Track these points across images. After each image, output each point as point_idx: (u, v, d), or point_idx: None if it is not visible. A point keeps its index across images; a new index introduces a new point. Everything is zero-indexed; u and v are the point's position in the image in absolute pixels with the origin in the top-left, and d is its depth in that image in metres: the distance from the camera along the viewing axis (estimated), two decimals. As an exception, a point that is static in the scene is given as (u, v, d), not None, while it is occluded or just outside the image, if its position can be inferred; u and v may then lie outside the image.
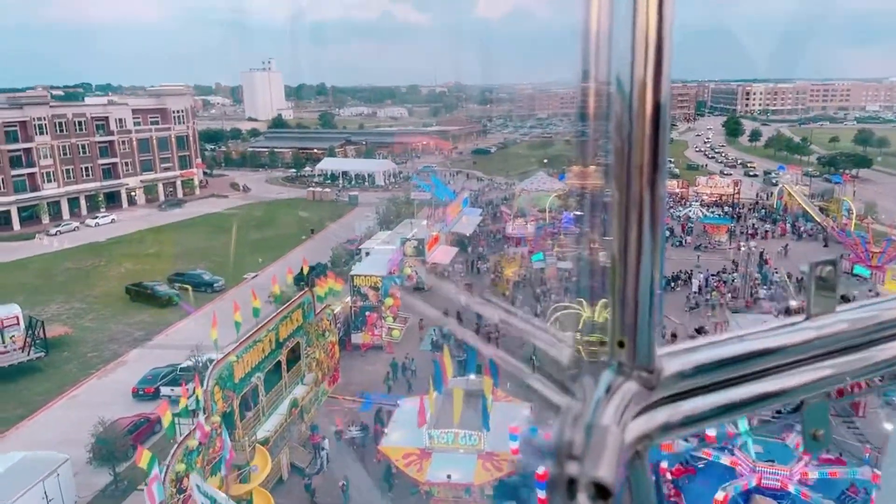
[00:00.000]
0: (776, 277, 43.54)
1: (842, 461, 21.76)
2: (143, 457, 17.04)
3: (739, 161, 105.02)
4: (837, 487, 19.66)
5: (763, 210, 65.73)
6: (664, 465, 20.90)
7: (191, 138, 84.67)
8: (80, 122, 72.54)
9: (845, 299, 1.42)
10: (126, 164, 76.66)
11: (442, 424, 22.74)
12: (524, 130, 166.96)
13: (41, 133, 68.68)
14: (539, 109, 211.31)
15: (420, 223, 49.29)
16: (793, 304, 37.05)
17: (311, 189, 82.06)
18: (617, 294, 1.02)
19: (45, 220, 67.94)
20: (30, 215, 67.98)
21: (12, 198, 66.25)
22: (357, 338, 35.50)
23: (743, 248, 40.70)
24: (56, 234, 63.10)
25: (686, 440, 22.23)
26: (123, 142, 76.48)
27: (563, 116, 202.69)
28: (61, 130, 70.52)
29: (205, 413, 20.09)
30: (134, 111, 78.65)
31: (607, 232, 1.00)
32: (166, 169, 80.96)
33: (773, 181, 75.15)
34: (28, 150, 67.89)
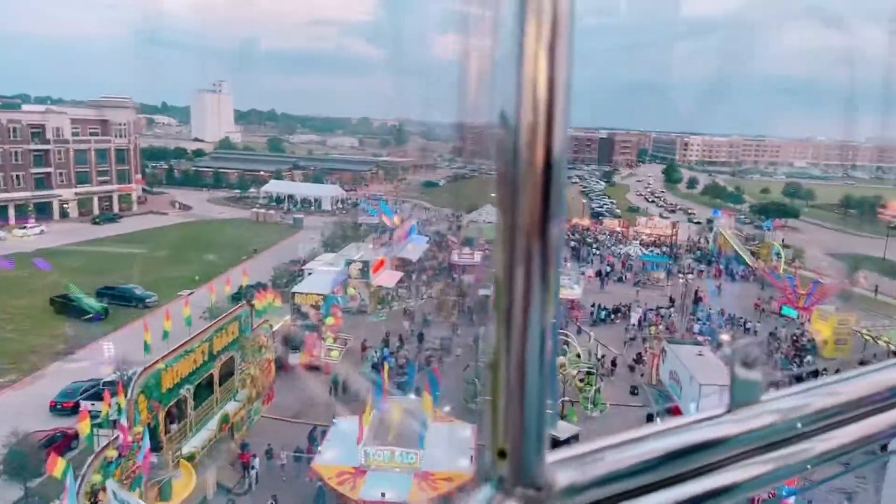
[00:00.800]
0: (710, 314, 45.10)
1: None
2: (57, 466, 15.89)
3: (679, 207, 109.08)
4: None
5: (699, 251, 68.14)
6: None
7: (131, 152, 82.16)
8: (14, 129, 69.43)
9: (863, 363, 1.37)
10: (61, 174, 73.55)
11: (379, 442, 22.19)
12: (473, 166, 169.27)
13: (-30, 137, 65.39)
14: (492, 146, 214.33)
15: (367, 247, 48.93)
16: (724, 337, 38.32)
17: (255, 210, 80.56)
18: (499, 389, 0.83)
19: (-32, 227, 64.23)
20: (-49, 222, 64.19)
21: (-68, 203, 62.47)
22: (295, 358, 34.52)
23: (681, 281, 41.88)
24: (-22, 243, 59.57)
25: None
26: (59, 152, 73.49)
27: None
28: (-7, 136, 67.35)
29: (127, 423, 19.00)
30: (73, 121, 75.88)
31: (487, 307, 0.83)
32: (103, 182, 78.07)
33: (710, 227, 78.33)
34: (-46, 154, 64.44)
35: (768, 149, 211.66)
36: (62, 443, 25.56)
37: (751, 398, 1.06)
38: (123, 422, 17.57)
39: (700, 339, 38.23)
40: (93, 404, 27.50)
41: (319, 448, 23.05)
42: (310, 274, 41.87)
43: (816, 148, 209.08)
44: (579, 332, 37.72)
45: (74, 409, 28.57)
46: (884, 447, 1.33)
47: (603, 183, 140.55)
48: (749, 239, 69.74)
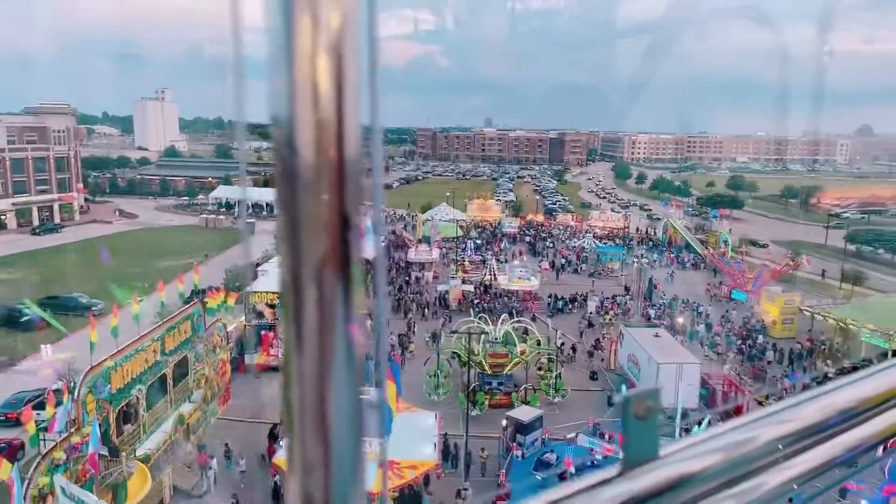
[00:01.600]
0: (664, 300, 46.14)
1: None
2: (3, 468, 15.01)
3: (632, 202, 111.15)
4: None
5: (650, 242, 69.59)
6: None
7: (71, 160, 79.19)
8: (-58, 138, 66.15)
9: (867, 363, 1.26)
10: (-4, 184, 70.39)
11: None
12: (426, 168, 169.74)
13: None
14: (447, 150, 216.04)
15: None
16: (680, 320, 39.19)
17: (203, 216, 78.62)
18: (295, 436, 0.71)
19: None
20: None
21: None
22: (251, 358, 33.70)
23: (635, 265, 42.67)
24: None
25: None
26: (-6, 161, 70.36)
27: (467, 157, 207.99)
28: (-81, 145, 63.93)
29: (75, 424, 18.15)
30: (8, 129, 72.69)
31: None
32: (43, 191, 74.98)
33: (660, 219, 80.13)
34: None
35: (711, 145, 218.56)
36: (6, 453, 24.22)
37: (648, 455, 0.91)
38: (71, 411, 16.72)
39: (656, 322, 39.01)
40: (38, 414, 26.26)
41: (280, 443, 22.49)
42: (264, 274, 40.94)
43: (756, 143, 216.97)
44: (534, 318, 37.94)
45: (18, 421, 27.22)
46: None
47: (555, 181, 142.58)
48: (697, 229, 71.68)
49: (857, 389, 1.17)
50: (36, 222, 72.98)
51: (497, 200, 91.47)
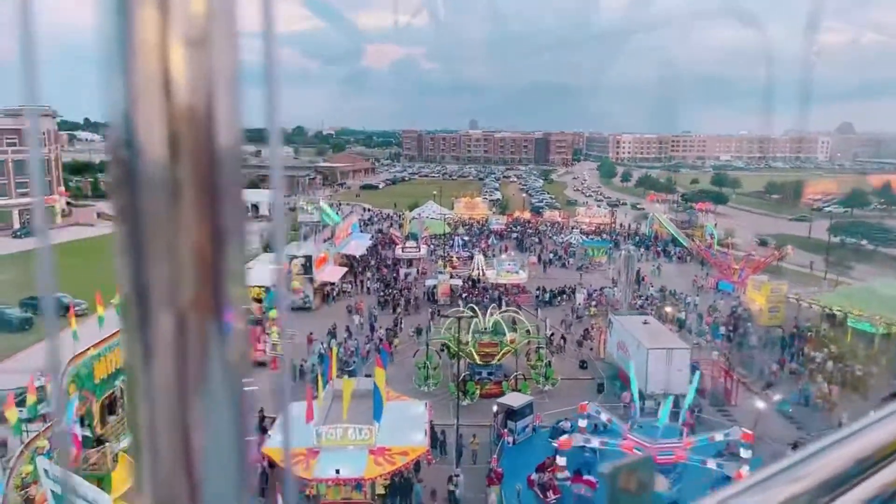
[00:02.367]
0: (651, 291, 46.30)
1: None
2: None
3: (622, 201, 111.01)
4: (716, 448, 21.41)
5: (637, 237, 69.88)
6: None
7: (53, 163, 78.15)
8: (-81, 141, 64.95)
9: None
10: (-25, 188, 69.28)
11: (331, 422, 21.53)
12: (413, 170, 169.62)
13: None
14: (432, 151, 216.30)
15: (309, 244, 47.85)
16: (668, 309, 39.30)
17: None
18: (144, 468, 0.60)
19: None
20: None
21: None
22: (238, 354, 33.29)
23: (623, 253, 42.73)
24: None
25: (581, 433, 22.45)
26: (-28, 164, 69.25)
27: (453, 158, 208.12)
28: None
29: (56, 413, 17.75)
30: (-13, 131, 71.60)
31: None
32: (23, 194, 73.85)
33: (650, 219, 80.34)
34: None
35: (695, 144, 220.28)
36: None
37: None
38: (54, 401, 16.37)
39: (645, 312, 39.04)
40: (21, 411, 25.76)
41: (269, 433, 22.19)
42: (249, 270, 40.54)
43: (739, 142, 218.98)
44: (519, 308, 37.85)
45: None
46: None
47: (541, 181, 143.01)
48: (682, 223, 72.06)
49: (867, 438, 1.06)
50: (17, 225, 71.89)
51: (484, 199, 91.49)
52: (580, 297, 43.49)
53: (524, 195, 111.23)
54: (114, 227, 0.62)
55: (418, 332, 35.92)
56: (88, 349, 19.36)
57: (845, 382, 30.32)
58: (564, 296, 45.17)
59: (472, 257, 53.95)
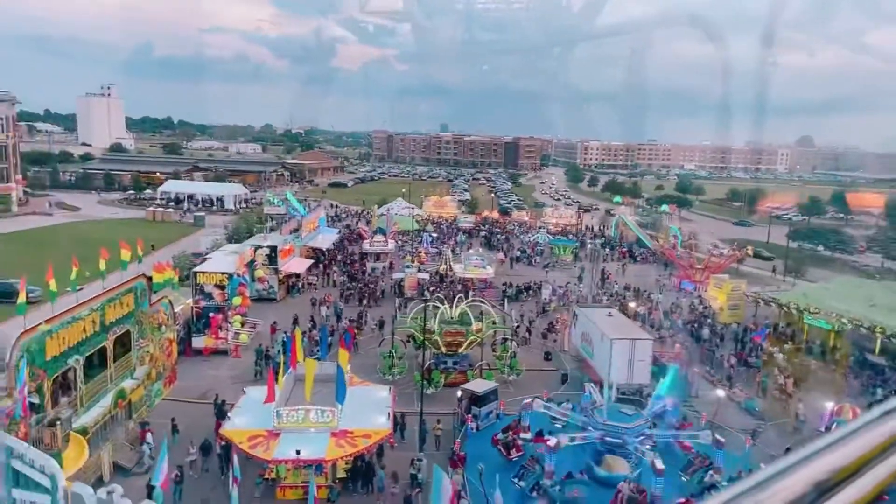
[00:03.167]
0: (616, 288, 46.83)
1: (687, 424, 23.70)
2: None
3: (594, 206, 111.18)
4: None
5: (603, 238, 70.69)
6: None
7: (9, 150, 75.62)
8: None
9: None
10: (-75, 173, 66.58)
11: (293, 404, 21.16)
12: (382, 170, 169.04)
13: None
14: (402, 152, 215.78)
15: (275, 236, 47.15)
16: (632, 305, 39.75)
17: (150, 210, 76.18)
18: None
19: None
20: None
21: None
22: (199, 341, 32.57)
23: (589, 246, 43.09)
24: None
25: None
26: (-77, 148, 66.56)
27: (423, 159, 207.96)
28: None
29: (6, 390, 17.09)
30: (-61, 115, 68.99)
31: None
32: (-24, 180, 71.32)
33: (615, 220, 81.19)
34: None
35: (660, 152, 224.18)
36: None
37: None
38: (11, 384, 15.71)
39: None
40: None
41: (229, 415, 21.72)
42: (210, 258, 39.78)
43: (703, 151, 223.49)
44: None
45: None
46: None
47: (510, 183, 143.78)
48: (647, 225, 73.14)
49: (823, 460, 1.03)
50: (-31, 212, 69.39)
51: (453, 198, 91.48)
52: (546, 293, 43.75)
53: (493, 196, 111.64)
54: None
55: (380, 325, 35.68)
56: (39, 324, 18.66)
57: (801, 375, 31.02)
58: (530, 291, 45.38)
59: (440, 253, 53.90)
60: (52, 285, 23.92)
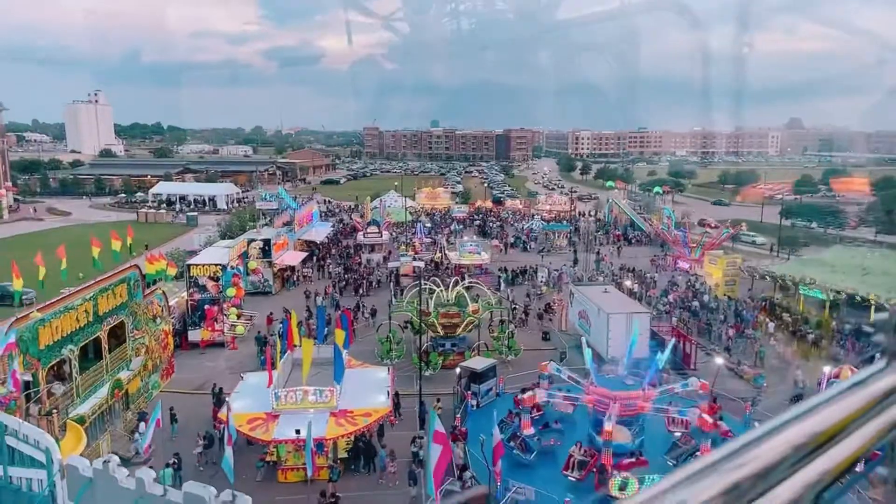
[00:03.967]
0: (611, 270, 46.86)
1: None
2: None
3: (593, 195, 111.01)
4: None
5: (597, 222, 70.71)
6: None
7: (-1, 157, 75.22)
8: None
9: None
10: (-87, 182, 66.07)
11: (291, 386, 21.08)
12: (374, 166, 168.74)
13: None
14: (394, 148, 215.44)
15: (268, 229, 46.98)
16: (627, 283, 39.76)
17: (142, 211, 75.86)
18: None
19: None
20: None
21: None
22: (195, 334, 32.42)
23: (582, 223, 43.06)
24: None
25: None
26: (-90, 157, 66.04)
27: (415, 155, 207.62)
28: None
29: (1, 379, 16.94)
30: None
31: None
32: (-35, 188, 70.86)
33: (609, 204, 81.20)
34: None
35: (651, 140, 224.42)
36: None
37: None
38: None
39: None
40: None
41: (227, 400, 21.61)
42: (203, 252, 39.56)
43: (694, 138, 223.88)
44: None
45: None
46: None
47: (502, 175, 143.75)
48: (641, 208, 73.22)
49: (805, 424, 1.04)
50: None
51: (446, 189, 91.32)
52: (542, 276, 43.74)
53: (486, 187, 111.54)
54: None
55: (373, 313, 35.61)
56: (32, 312, 18.51)
57: (797, 345, 31.11)
58: (526, 275, 45.36)
59: (434, 242, 53.84)
60: (18, 285, 23.50)
